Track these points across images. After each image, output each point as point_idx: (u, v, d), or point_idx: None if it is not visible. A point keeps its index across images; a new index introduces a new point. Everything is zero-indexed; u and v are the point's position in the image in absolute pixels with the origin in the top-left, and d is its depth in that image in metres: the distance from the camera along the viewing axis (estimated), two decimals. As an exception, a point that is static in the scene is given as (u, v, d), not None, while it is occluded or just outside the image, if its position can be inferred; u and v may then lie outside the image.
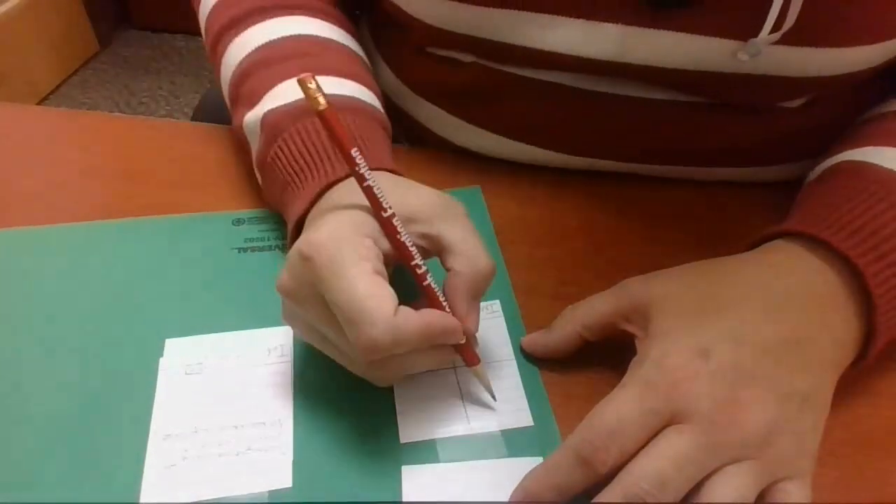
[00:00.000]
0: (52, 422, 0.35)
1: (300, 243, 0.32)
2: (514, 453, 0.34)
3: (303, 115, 0.40)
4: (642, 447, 0.30)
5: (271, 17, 0.46)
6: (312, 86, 0.32)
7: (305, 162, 0.39)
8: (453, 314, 0.33)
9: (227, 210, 0.46)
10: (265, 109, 0.41)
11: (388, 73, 0.54)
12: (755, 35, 0.37)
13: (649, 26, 0.39)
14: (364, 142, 0.40)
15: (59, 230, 0.44)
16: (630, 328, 0.35)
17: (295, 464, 0.33)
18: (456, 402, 0.36)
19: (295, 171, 0.39)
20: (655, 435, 0.30)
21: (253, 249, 0.43)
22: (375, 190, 0.33)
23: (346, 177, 0.37)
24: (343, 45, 0.47)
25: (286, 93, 0.41)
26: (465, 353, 0.34)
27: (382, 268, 0.32)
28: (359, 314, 0.29)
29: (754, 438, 0.30)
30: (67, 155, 0.51)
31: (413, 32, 0.46)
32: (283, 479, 0.33)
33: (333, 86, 0.42)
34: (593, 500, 0.29)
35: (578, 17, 0.40)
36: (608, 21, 0.40)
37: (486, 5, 0.41)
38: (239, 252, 0.43)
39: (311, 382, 0.36)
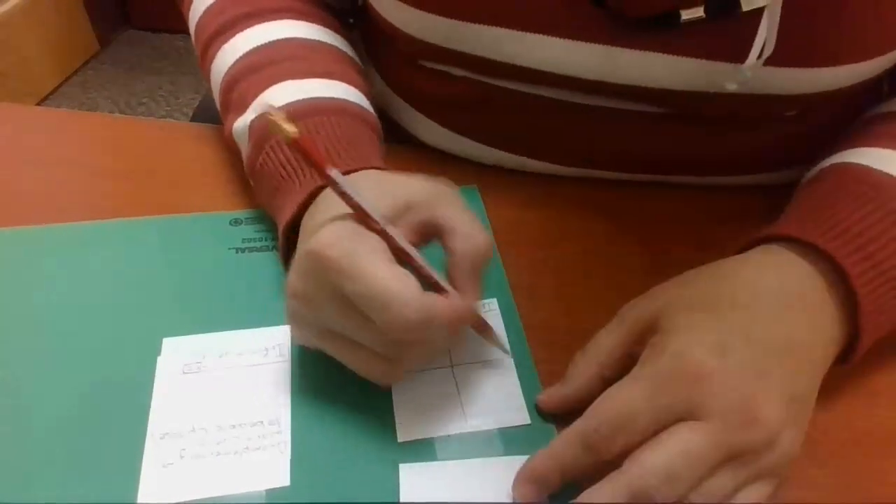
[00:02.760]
0: (49, 421, 0.35)
1: (310, 244, 0.32)
2: (511, 451, 0.34)
3: (290, 120, 0.40)
4: (649, 437, 0.30)
5: (258, 23, 0.46)
6: (276, 117, 0.31)
7: (293, 167, 0.39)
8: (460, 293, 0.34)
9: (227, 210, 0.46)
10: (253, 116, 0.41)
11: (380, 84, 0.54)
12: (739, 56, 0.37)
13: (633, 47, 0.39)
14: (350, 143, 0.40)
15: (56, 230, 0.44)
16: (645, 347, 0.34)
17: (293, 463, 0.33)
18: (453, 401, 0.36)
19: (283, 177, 0.39)
20: (664, 427, 0.30)
21: (250, 250, 0.43)
22: (364, 205, 0.32)
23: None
24: (330, 45, 0.47)
25: (273, 98, 0.41)
26: (478, 325, 0.36)
27: (394, 259, 0.32)
28: (388, 296, 0.30)
29: (764, 439, 0.30)
30: (67, 155, 0.51)
31: (401, 44, 0.46)
32: (280, 478, 0.33)
33: (320, 88, 0.42)
34: (597, 485, 0.29)
35: (561, 36, 0.40)
36: (591, 41, 0.40)
37: (467, 20, 0.41)
38: (237, 252, 0.43)
39: (308, 381, 0.36)
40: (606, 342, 0.35)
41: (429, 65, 0.48)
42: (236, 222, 0.45)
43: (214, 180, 0.49)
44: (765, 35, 0.36)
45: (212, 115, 0.66)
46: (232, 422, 0.35)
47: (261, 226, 0.45)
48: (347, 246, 0.31)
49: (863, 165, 0.38)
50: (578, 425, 0.31)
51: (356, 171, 0.38)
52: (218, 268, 0.42)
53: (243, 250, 0.43)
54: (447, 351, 0.36)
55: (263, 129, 0.40)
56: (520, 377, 0.37)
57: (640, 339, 0.34)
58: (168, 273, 0.42)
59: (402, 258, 0.33)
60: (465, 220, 0.34)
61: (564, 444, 0.31)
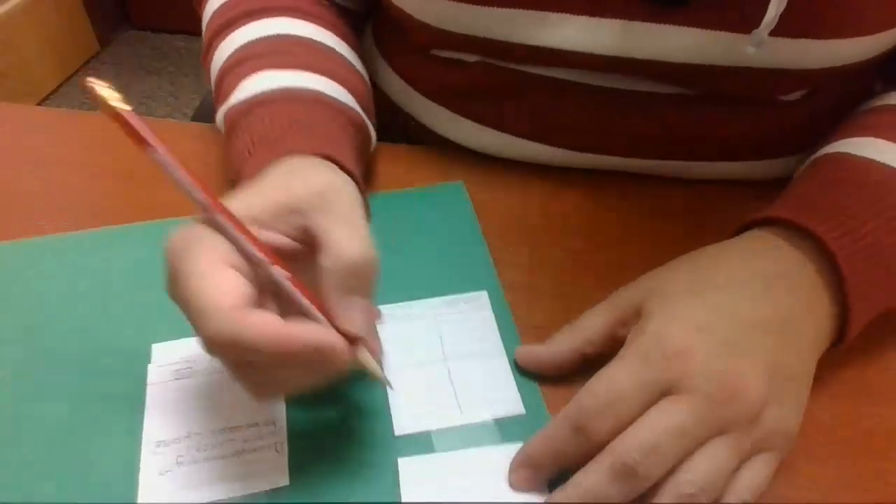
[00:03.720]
0: (41, 433, 0.34)
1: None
2: (508, 440, 0.34)
3: (253, 107, 0.40)
4: (637, 416, 0.30)
5: (257, 20, 0.46)
6: (100, 88, 0.28)
7: (249, 153, 0.38)
8: (329, 316, 0.30)
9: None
10: (228, 106, 0.42)
11: (393, 77, 0.54)
12: (753, 26, 0.37)
13: (651, 20, 0.40)
14: (302, 127, 0.38)
15: (32, 243, 0.43)
16: (629, 331, 0.35)
17: (291, 462, 0.33)
18: (447, 394, 0.36)
19: (235, 169, 0.39)
20: (650, 405, 0.30)
21: None
22: (191, 189, 0.29)
23: (261, 166, 0.35)
24: (324, 44, 0.47)
25: (247, 87, 0.41)
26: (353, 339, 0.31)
27: (237, 259, 0.29)
28: (199, 306, 0.27)
29: (747, 413, 0.31)
30: (67, 155, 0.51)
31: (416, 34, 0.46)
32: (280, 477, 0.33)
33: (295, 79, 0.42)
34: (582, 469, 0.30)
35: (580, 13, 0.40)
36: (610, 16, 0.40)
37: (486, 5, 0.41)
38: None
39: None
40: (593, 320, 0.36)
41: (443, 54, 0.48)
42: None
43: (215, 180, 0.49)
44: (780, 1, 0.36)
45: (212, 117, 0.66)
46: (227, 424, 0.34)
47: None
48: (185, 245, 0.28)
49: (850, 153, 0.40)
50: (567, 408, 0.31)
51: (296, 155, 0.36)
52: None
53: None
54: (325, 378, 0.31)
55: (232, 119, 0.41)
56: (512, 367, 0.37)
57: (625, 323, 0.35)
58: (151, 279, 0.39)
59: (252, 264, 0.29)
60: (336, 231, 0.30)
61: (555, 427, 0.31)
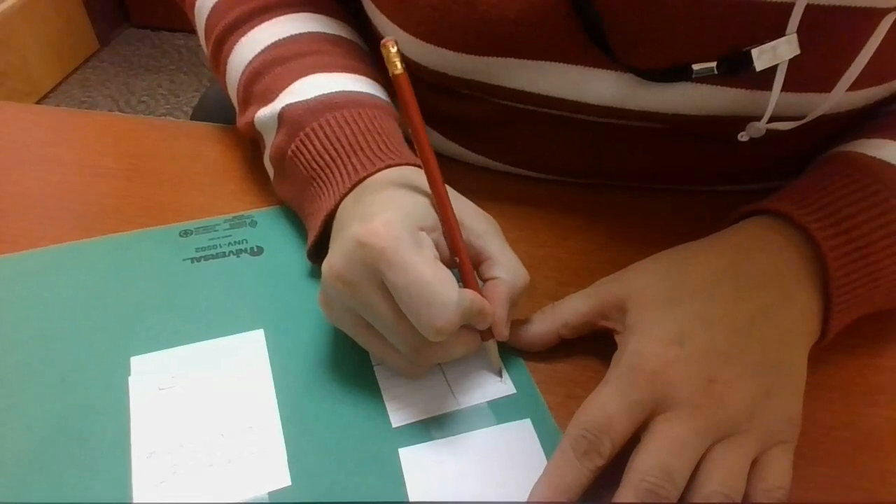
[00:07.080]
0: (27, 457, 0.33)
1: (360, 231, 0.32)
2: (503, 420, 0.35)
3: (325, 110, 0.40)
4: (632, 435, 0.31)
5: (277, 16, 0.45)
6: (394, 50, 0.33)
7: (331, 157, 0.39)
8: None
9: (228, 209, 0.46)
10: (283, 104, 0.41)
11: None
12: (756, 83, 0.37)
13: (649, 77, 0.39)
14: (391, 136, 0.40)
15: (3, 259, 0.42)
16: (609, 324, 0.36)
17: (291, 462, 0.33)
18: (440, 382, 0.37)
19: (320, 166, 0.39)
20: (643, 423, 0.31)
21: (206, 258, 0.42)
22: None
23: (377, 171, 0.37)
24: (351, 40, 0.47)
25: (304, 89, 0.41)
26: (487, 334, 0.36)
27: (439, 257, 0.33)
28: (430, 297, 0.30)
29: (741, 413, 0.31)
30: (67, 154, 0.51)
31: (409, 68, 0.46)
32: (281, 478, 0.33)
33: (349, 83, 0.42)
34: (612, 502, 0.30)
35: (576, 63, 0.40)
36: (605, 68, 0.39)
37: (479, 54, 0.40)
38: (192, 262, 0.42)
39: (292, 381, 0.36)
40: (575, 305, 0.37)
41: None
42: (186, 233, 0.44)
43: (214, 179, 0.49)
44: (778, 94, 0.37)
45: (212, 114, 0.66)
46: (220, 431, 0.34)
47: (213, 234, 0.44)
48: (397, 237, 0.31)
49: (853, 151, 0.40)
50: (565, 440, 0.32)
51: (404, 165, 0.38)
52: (176, 280, 0.41)
53: (198, 259, 0.42)
54: (471, 347, 0.36)
55: (297, 117, 0.40)
56: (501, 352, 0.37)
57: (606, 316, 0.36)
58: (125, 292, 0.40)
59: (456, 254, 0.34)
60: (509, 253, 0.36)
61: (558, 461, 0.31)
